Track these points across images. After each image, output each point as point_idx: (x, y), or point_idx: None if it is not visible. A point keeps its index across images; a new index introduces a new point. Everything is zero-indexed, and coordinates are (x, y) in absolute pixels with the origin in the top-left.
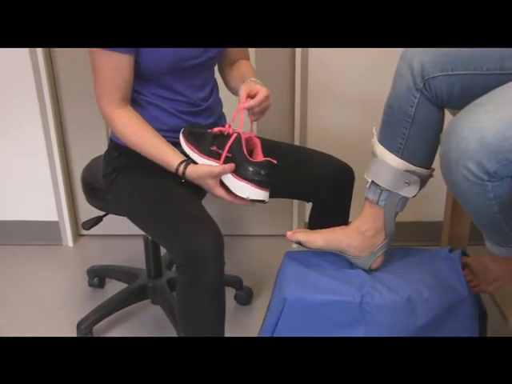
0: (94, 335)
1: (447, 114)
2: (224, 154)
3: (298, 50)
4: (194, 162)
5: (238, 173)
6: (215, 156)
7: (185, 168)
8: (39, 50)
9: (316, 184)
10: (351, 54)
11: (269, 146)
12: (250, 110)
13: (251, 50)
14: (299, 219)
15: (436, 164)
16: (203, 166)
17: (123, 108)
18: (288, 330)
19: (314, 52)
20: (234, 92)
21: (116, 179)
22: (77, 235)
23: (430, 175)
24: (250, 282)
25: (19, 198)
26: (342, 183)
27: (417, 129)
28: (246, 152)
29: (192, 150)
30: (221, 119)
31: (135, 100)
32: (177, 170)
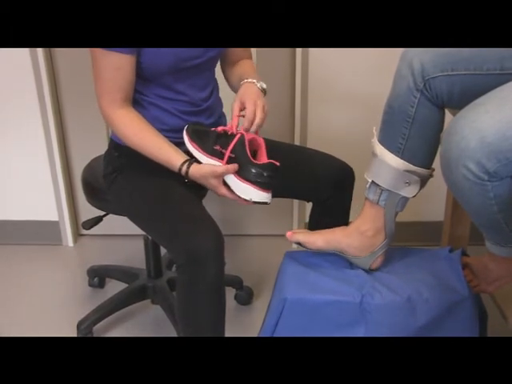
0: (94, 335)
1: (447, 114)
2: (227, 154)
3: (299, 50)
4: (197, 161)
5: (241, 174)
6: (218, 155)
7: (188, 167)
8: (39, 50)
9: (316, 184)
10: (351, 54)
11: (269, 146)
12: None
13: (251, 50)
14: (299, 219)
15: (436, 164)
16: (206, 165)
17: (124, 108)
18: (288, 329)
19: (314, 52)
20: (235, 91)
21: (116, 179)
22: (77, 235)
23: (430, 175)
24: (250, 282)
25: (19, 197)
26: (343, 183)
27: (417, 129)
28: (249, 153)
29: (196, 148)
30: (221, 119)
31: (137, 100)
32: (180, 169)
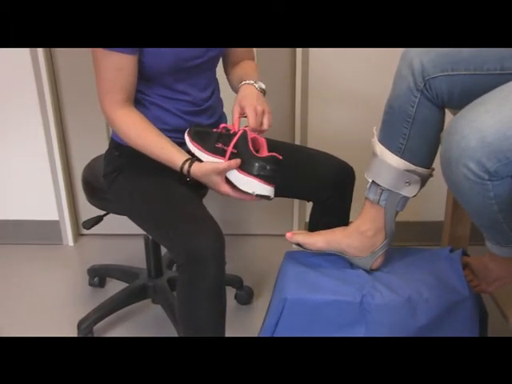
0: (95, 335)
1: (448, 114)
2: (229, 149)
3: (299, 50)
4: (199, 160)
5: (244, 168)
6: (220, 153)
7: (189, 166)
8: (40, 50)
9: (316, 184)
10: (351, 54)
11: (269, 146)
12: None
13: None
14: (300, 219)
15: (436, 164)
16: (208, 163)
17: (126, 109)
18: (288, 329)
19: (314, 52)
20: (235, 91)
21: (117, 178)
22: (77, 234)
23: (431, 175)
24: (250, 282)
25: (20, 197)
26: (343, 183)
27: (417, 129)
28: (251, 148)
29: (197, 147)
30: (222, 119)
31: (138, 100)
32: (182, 168)
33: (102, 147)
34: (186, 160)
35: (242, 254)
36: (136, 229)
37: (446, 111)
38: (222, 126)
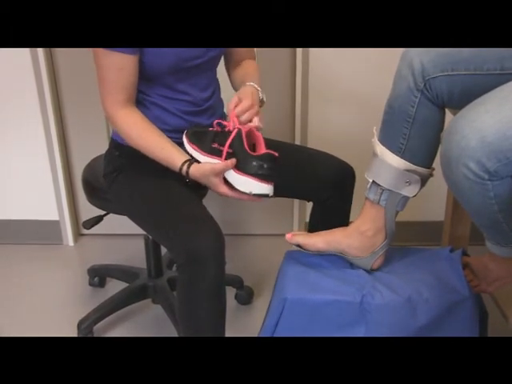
0: (95, 335)
1: (448, 114)
2: (225, 150)
3: (299, 50)
4: (198, 161)
5: (240, 168)
6: (217, 153)
7: (188, 167)
8: (40, 50)
9: (317, 184)
10: (352, 54)
11: (269, 146)
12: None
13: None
14: (300, 219)
15: (436, 163)
16: (205, 164)
17: (128, 109)
18: (288, 329)
19: (314, 51)
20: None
21: (117, 178)
22: (77, 234)
23: (431, 174)
24: (250, 282)
25: (20, 197)
26: (343, 183)
27: (418, 129)
28: (246, 146)
29: (194, 148)
30: (222, 120)
31: (139, 101)
32: (180, 169)
33: (102, 147)
34: (185, 161)
35: (242, 254)
36: (136, 229)
37: (446, 111)
38: (216, 121)
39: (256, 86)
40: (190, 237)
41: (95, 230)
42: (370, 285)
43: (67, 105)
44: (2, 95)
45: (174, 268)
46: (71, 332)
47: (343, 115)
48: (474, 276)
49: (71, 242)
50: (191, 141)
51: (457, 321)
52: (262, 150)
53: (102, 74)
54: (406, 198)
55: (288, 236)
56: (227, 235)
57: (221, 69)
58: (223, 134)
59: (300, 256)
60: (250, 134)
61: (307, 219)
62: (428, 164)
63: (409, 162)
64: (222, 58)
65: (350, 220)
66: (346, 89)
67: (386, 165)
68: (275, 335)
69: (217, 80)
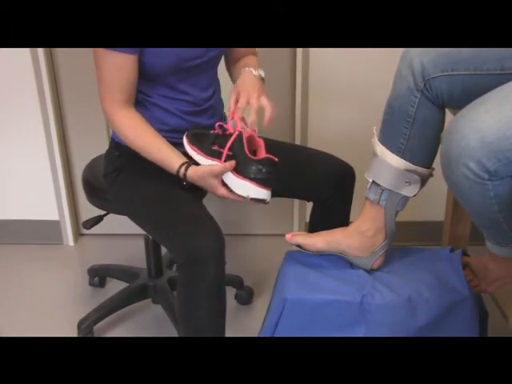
0: (95, 335)
1: (448, 114)
2: (225, 152)
3: (299, 50)
4: (196, 163)
5: (239, 171)
6: (217, 155)
7: (186, 170)
8: (40, 50)
9: (317, 183)
10: (352, 54)
11: (269, 146)
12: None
13: None
14: (300, 219)
15: (436, 163)
16: (203, 166)
17: (126, 109)
18: (288, 329)
19: (315, 51)
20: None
21: (117, 178)
22: (77, 234)
23: (431, 174)
24: (250, 282)
25: (20, 197)
26: (343, 183)
27: (418, 129)
28: (247, 150)
29: (194, 150)
30: (222, 120)
31: (140, 101)
32: (178, 171)
33: (102, 147)
34: (183, 163)
35: (242, 254)
36: (136, 229)
37: (446, 111)
38: (218, 124)
39: (249, 68)
40: (190, 237)
41: (95, 230)
42: (370, 285)
43: (67, 105)
44: (2, 95)
45: (174, 268)
46: (71, 332)
47: (343, 115)
48: (474, 276)
49: (71, 242)
50: (191, 142)
51: (457, 321)
52: (263, 154)
53: (102, 74)
54: (406, 198)
55: (288, 236)
56: (227, 235)
57: (221, 69)
58: (224, 136)
59: (300, 256)
60: (251, 139)
61: (307, 219)
62: (428, 164)
63: (409, 161)
64: (223, 58)
65: (350, 220)
66: (346, 89)
67: (386, 165)
68: (275, 335)
69: (217, 80)
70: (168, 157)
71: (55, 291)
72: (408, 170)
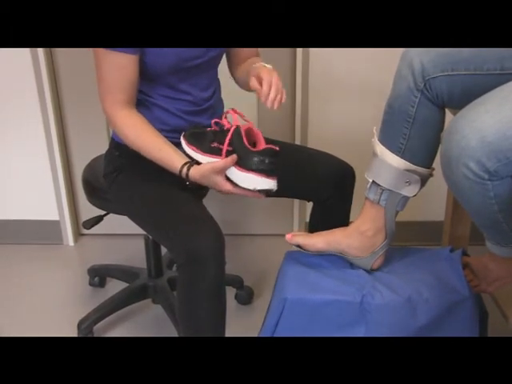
0: (95, 335)
1: (448, 114)
2: (225, 148)
3: (299, 50)
4: (198, 163)
5: (241, 164)
6: (217, 152)
7: (188, 169)
8: (40, 50)
9: (317, 183)
10: (352, 54)
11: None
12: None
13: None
14: (300, 219)
15: (436, 163)
16: (205, 164)
17: (127, 110)
18: (288, 329)
19: (314, 51)
20: (244, 87)
21: (117, 178)
22: (77, 234)
23: (431, 174)
24: (250, 282)
25: (20, 197)
26: (343, 183)
27: (418, 129)
28: (246, 142)
29: (193, 149)
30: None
31: (141, 102)
32: (180, 172)
33: (102, 147)
34: (185, 163)
35: (242, 254)
36: (136, 229)
37: (446, 111)
38: (214, 121)
39: (262, 63)
40: (190, 237)
41: (95, 229)
42: (370, 285)
43: (67, 105)
44: (2, 95)
45: (174, 268)
46: (71, 332)
47: (343, 115)
48: (474, 276)
49: (71, 242)
50: (190, 142)
51: (457, 321)
52: (263, 145)
53: (102, 74)
54: (406, 198)
55: (288, 236)
56: (227, 235)
57: (221, 69)
58: (222, 132)
59: (300, 256)
60: (249, 131)
61: (307, 219)
62: (428, 164)
63: (409, 161)
64: (225, 60)
65: (350, 220)
66: (346, 89)
67: (386, 165)
68: (275, 335)
69: (218, 80)
70: (170, 157)
71: (55, 291)
72: (408, 170)
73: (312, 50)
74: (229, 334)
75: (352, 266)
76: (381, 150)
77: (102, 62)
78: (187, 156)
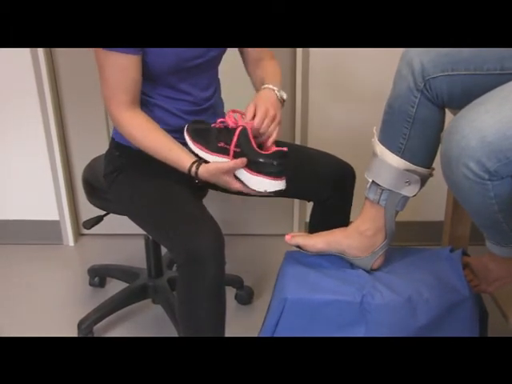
0: (95, 335)
1: (448, 114)
2: (232, 149)
3: (299, 49)
4: (206, 161)
5: (251, 167)
6: (224, 152)
7: (197, 168)
8: (40, 50)
9: (317, 183)
10: (353, 54)
11: None
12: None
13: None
14: (300, 219)
15: (436, 163)
16: (214, 163)
17: (132, 110)
18: (288, 329)
19: (315, 51)
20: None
21: (117, 178)
22: (78, 234)
23: (431, 174)
24: (250, 282)
25: (20, 197)
26: (343, 183)
27: (418, 129)
28: (254, 145)
29: (200, 148)
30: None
31: (143, 102)
32: (189, 170)
33: (102, 147)
34: (194, 162)
35: (242, 254)
36: (136, 229)
37: (446, 111)
38: (220, 120)
39: (272, 86)
40: (190, 237)
41: (95, 229)
42: (370, 285)
43: (67, 105)
44: (2, 95)
45: (174, 268)
46: (71, 332)
47: (343, 115)
48: (474, 276)
49: (71, 242)
50: (195, 140)
51: (457, 321)
52: (269, 144)
53: (105, 76)
54: (406, 198)
55: (288, 237)
56: (227, 235)
57: (221, 69)
58: (227, 130)
59: (300, 256)
60: (253, 130)
61: (307, 219)
62: (428, 164)
63: (409, 161)
64: (240, 58)
65: (350, 220)
66: (346, 89)
67: (386, 165)
68: (275, 335)
69: (218, 80)
70: (179, 156)
71: (55, 291)
72: (408, 170)
73: (312, 49)
74: (229, 334)
75: (352, 266)
76: (381, 149)
77: (104, 65)
78: (192, 153)
